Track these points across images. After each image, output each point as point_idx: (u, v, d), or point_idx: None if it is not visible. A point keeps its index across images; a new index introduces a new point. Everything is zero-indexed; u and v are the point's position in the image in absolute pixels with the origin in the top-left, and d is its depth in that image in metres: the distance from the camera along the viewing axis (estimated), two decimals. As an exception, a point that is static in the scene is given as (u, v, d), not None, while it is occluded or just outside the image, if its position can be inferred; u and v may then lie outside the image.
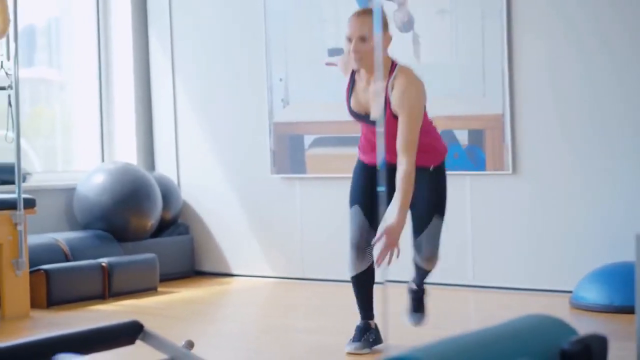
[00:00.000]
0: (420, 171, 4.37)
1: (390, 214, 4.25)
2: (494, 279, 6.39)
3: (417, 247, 4.60)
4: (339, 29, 6.86)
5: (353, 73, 4.52)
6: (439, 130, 6.39)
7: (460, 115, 6.43)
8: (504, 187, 6.36)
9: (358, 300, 4.69)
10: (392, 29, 6.58)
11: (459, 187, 6.45)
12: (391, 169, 4.33)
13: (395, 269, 6.35)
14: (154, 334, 2.68)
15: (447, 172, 6.32)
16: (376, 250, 4.28)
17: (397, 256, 4.16)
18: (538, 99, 6.22)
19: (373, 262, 4.58)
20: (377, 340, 4.58)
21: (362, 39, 4.31)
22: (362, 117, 4.50)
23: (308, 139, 6.99)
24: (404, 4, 6.62)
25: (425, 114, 4.47)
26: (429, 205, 4.53)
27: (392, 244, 4.14)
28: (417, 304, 4.88)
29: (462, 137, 6.42)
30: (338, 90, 6.70)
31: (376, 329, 4.64)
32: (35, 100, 7.76)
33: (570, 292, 5.80)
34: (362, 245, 4.55)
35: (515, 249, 6.32)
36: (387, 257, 4.14)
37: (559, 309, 5.53)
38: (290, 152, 7.11)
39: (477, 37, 6.35)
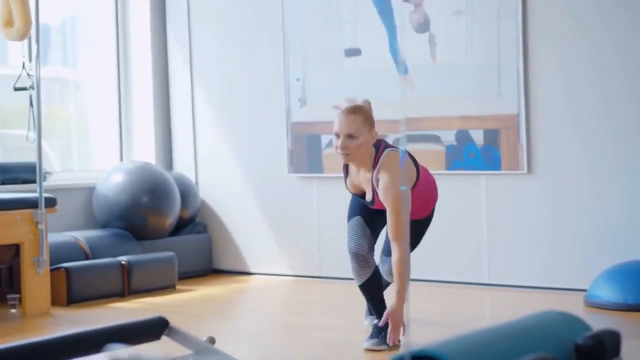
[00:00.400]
0: (413, 221, 4.79)
1: (392, 299, 4.54)
2: (509, 277, 6.44)
3: (382, 261, 5.02)
4: (356, 30, 6.92)
5: (346, 169, 4.85)
6: (456, 130, 6.50)
7: (475, 115, 6.48)
8: (519, 186, 6.40)
9: (370, 304, 4.91)
10: (409, 30, 6.67)
11: (475, 186, 6.51)
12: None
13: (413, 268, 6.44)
14: (179, 330, 2.75)
15: (463, 172, 6.47)
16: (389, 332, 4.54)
17: (404, 333, 4.52)
18: (553, 99, 6.26)
19: (377, 266, 4.87)
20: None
21: (350, 137, 4.58)
22: (358, 196, 4.84)
23: (325, 139, 7.05)
24: (420, 5, 6.67)
25: (420, 174, 4.74)
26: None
27: (397, 326, 4.49)
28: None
29: (478, 136, 6.47)
30: (354, 90, 6.79)
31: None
32: (49, 99, 7.82)
33: (584, 290, 5.84)
34: (364, 253, 4.78)
35: (530, 248, 6.36)
36: (398, 335, 4.50)
37: (574, 307, 5.57)
38: (307, 151, 7.17)
39: (493, 38, 6.40)
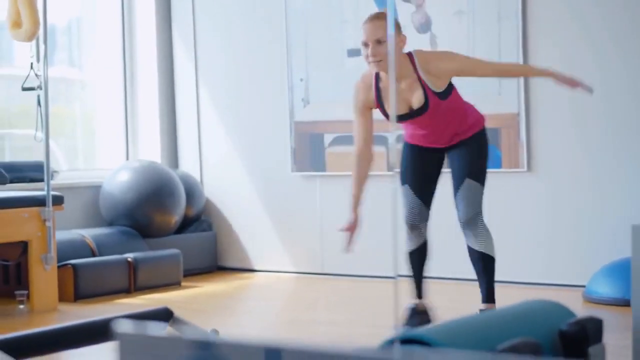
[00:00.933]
0: (459, 143, 4.68)
1: None
2: (510, 273, 6.50)
3: (456, 208, 4.73)
4: (359, 30, 6.99)
5: (377, 83, 4.61)
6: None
7: (476, 114, 6.55)
8: (520, 184, 6.47)
9: (412, 277, 4.88)
10: (410, 30, 6.74)
11: (476, 184, 6.59)
12: (439, 151, 4.65)
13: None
14: (183, 320, 2.84)
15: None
16: None
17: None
18: (553, 98, 6.32)
19: (426, 240, 4.83)
20: (425, 321, 4.72)
21: (379, 42, 4.43)
22: (405, 116, 4.60)
23: (328, 138, 7.13)
24: (421, 6, 6.75)
25: (456, 92, 4.66)
26: (460, 169, 4.69)
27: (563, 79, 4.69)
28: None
29: (479, 135, 6.54)
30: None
31: (425, 311, 4.81)
32: (55, 99, 7.88)
33: (583, 286, 5.91)
34: (415, 223, 4.75)
35: (530, 245, 6.44)
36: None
37: (572, 303, 5.62)
38: (310, 150, 7.25)
39: (494, 37, 6.47)
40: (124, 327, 1.35)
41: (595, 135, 6.21)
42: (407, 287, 4.88)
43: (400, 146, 4.95)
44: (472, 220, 4.66)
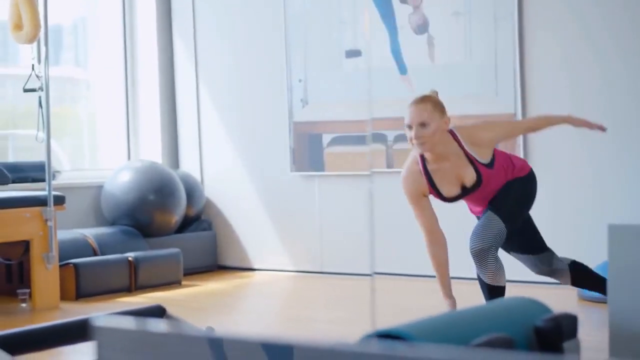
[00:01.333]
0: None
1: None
2: (509, 272, 6.54)
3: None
4: (357, 31, 7.07)
5: (424, 167, 4.61)
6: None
7: (474, 114, 6.59)
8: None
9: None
10: (408, 31, 6.81)
11: (473, 184, 6.65)
12: None
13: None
14: (176, 317, 2.91)
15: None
16: None
17: None
18: (550, 98, 6.37)
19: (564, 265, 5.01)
20: None
21: (422, 125, 4.47)
22: (462, 194, 4.66)
23: (326, 138, 7.19)
24: (419, 7, 6.81)
25: (497, 152, 4.71)
26: (487, 196, 4.69)
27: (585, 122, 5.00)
28: None
29: (476, 135, 6.60)
30: (354, 90, 6.93)
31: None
32: (61, 99, 7.94)
33: (579, 285, 5.97)
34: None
35: (527, 244, 6.49)
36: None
37: (567, 301, 5.71)
38: (309, 150, 7.30)
39: (490, 38, 6.53)
40: (101, 321, 1.42)
41: (594, 135, 6.22)
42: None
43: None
44: (480, 254, 4.67)
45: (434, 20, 6.75)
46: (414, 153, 4.63)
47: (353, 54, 7.01)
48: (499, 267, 4.71)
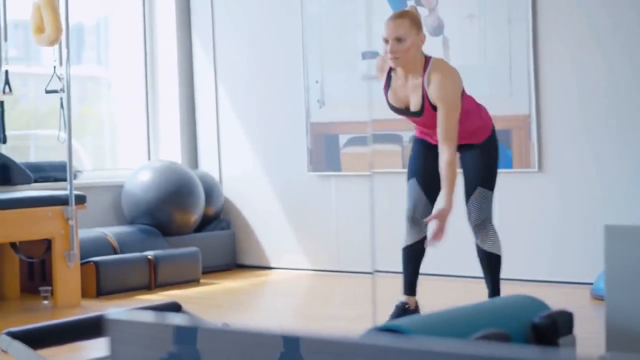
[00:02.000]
0: (468, 147, 4.78)
1: (440, 200, 4.61)
2: (519, 271, 6.61)
3: (468, 212, 4.87)
4: (372, 33, 7.14)
5: (389, 72, 4.76)
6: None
7: (488, 115, 6.68)
8: (530, 184, 6.59)
9: (404, 273, 4.96)
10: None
11: (487, 184, 6.72)
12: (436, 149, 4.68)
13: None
14: (192, 314, 3.01)
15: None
16: (430, 230, 4.62)
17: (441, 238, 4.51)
18: (563, 99, 6.43)
19: (425, 237, 4.88)
20: None
21: (398, 40, 4.57)
22: (402, 110, 4.77)
23: (343, 139, 7.28)
24: (434, 9, 6.89)
25: (465, 97, 4.74)
26: (472, 177, 4.82)
27: (440, 231, 4.49)
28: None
29: (490, 136, 6.67)
30: (371, 92, 7.01)
31: (416, 309, 4.91)
32: (83, 97, 8.04)
33: (591, 284, 6.04)
34: (416, 218, 4.85)
35: (540, 243, 6.55)
36: (441, 236, 4.51)
37: (580, 300, 5.78)
38: (326, 150, 7.38)
39: (505, 40, 6.60)
40: (114, 315, 1.51)
41: (605, 136, 6.31)
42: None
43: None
44: (482, 224, 4.83)
45: (449, 22, 6.82)
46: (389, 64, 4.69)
47: (369, 55, 7.09)
48: (497, 235, 4.90)
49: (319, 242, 7.47)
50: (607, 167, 6.28)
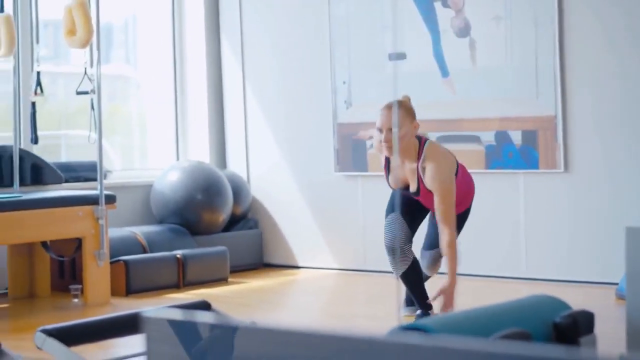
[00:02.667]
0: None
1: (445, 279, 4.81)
2: (546, 271, 6.65)
3: (422, 256, 5.26)
4: (399, 34, 7.18)
5: (388, 160, 5.04)
6: (495, 130, 6.74)
7: (514, 117, 6.71)
8: (556, 184, 6.61)
9: (412, 294, 5.17)
10: (450, 34, 6.93)
11: (513, 184, 6.74)
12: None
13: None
14: (221, 312, 3.07)
15: (502, 171, 6.70)
16: (436, 306, 4.87)
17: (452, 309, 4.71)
18: (589, 100, 6.45)
19: (415, 258, 5.10)
20: None
21: (392, 130, 4.79)
22: (403, 189, 5.02)
23: (370, 139, 7.33)
24: (461, 11, 6.93)
25: (459, 169, 4.98)
26: (435, 241, 5.06)
27: (448, 303, 4.70)
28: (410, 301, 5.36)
29: (516, 137, 6.69)
30: (397, 92, 7.05)
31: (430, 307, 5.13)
32: (112, 96, 8.12)
33: (616, 284, 6.07)
34: (400, 245, 5.01)
35: (566, 243, 6.57)
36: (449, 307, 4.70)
37: (605, 300, 5.80)
38: (352, 151, 7.43)
39: (531, 42, 6.63)
40: (151, 313, 1.58)
41: (632, 136, 6.33)
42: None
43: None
44: (438, 258, 5.23)
45: (475, 24, 6.86)
46: (383, 153, 4.96)
47: (396, 57, 7.13)
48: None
49: (346, 242, 7.52)
50: (633, 167, 6.30)
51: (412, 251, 5.10)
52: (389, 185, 5.10)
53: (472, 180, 5.18)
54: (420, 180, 4.86)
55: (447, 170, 4.84)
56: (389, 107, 4.85)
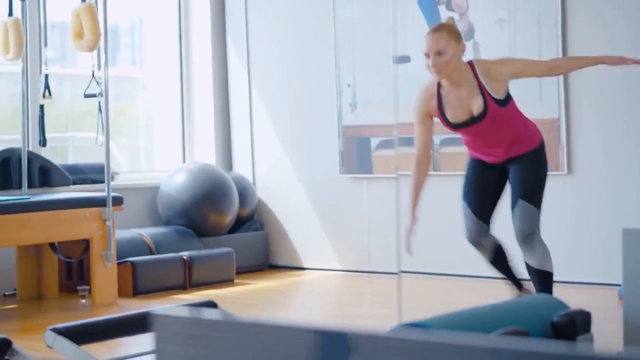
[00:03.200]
0: (513, 159, 4.81)
1: None
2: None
3: (512, 222, 4.87)
4: (404, 37, 7.24)
5: (439, 91, 4.77)
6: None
7: (518, 119, 6.76)
8: (560, 186, 6.62)
9: (505, 277, 5.08)
10: (454, 37, 6.97)
11: (517, 186, 6.79)
12: (500, 167, 4.81)
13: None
14: (227, 312, 3.13)
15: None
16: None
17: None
18: (592, 103, 6.50)
19: (495, 241, 4.96)
20: None
21: (439, 53, 4.62)
22: (464, 123, 4.76)
23: (374, 141, 7.37)
24: (465, 14, 6.97)
25: (513, 103, 4.81)
26: (515, 188, 4.84)
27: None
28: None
29: (520, 139, 6.75)
30: (401, 95, 7.10)
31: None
32: (119, 97, 8.13)
33: (619, 285, 6.10)
34: (474, 239, 4.94)
35: (569, 244, 6.59)
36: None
37: (607, 301, 5.85)
38: (357, 153, 7.46)
39: (534, 45, 6.67)
40: (159, 311, 1.63)
41: (635, 139, 6.37)
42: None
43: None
44: (527, 239, 4.82)
45: (479, 27, 6.90)
46: (432, 78, 4.78)
47: (401, 59, 7.17)
48: (545, 249, 4.86)
49: (351, 243, 7.56)
50: (636, 169, 6.35)
51: (488, 241, 4.93)
52: (448, 123, 4.78)
53: (535, 124, 5.00)
54: (485, 94, 4.66)
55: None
56: (434, 30, 4.72)
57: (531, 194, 4.83)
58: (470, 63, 4.76)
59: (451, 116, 4.75)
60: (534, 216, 4.81)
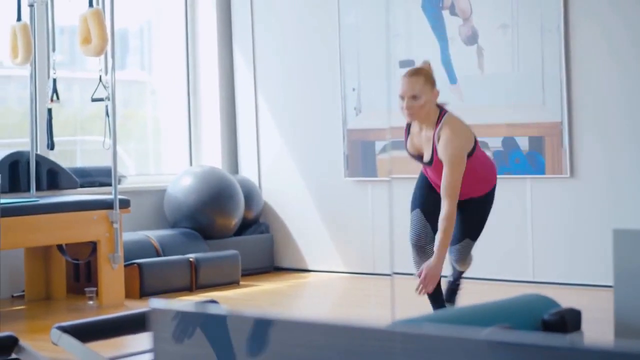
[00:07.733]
0: (469, 200, 4.92)
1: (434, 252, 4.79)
2: (552, 274, 6.72)
3: (450, 252, 5.06)
4: (409, 42, 7.29)
5: (408, 130, 4.99)
6: (502, 136, 6.83)
7: (521, 123, 6.80)
8: (562, 189, 6.69)
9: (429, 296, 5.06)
10: (458, 42, 7.03)
11: (520, 189, 6.82)
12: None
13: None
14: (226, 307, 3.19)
15: (510, 176, 6.71)
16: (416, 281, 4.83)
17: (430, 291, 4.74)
18: (595, 107, 6.53)
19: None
20: None
21: (414, 98, 4.75)
22: (416, 157, 4.99)
23: (379, 145, 7.43)
24: (468, 19, 7.03)
25: (477, 153, 4.88)
26: (464, 228, 5.01)
27: (430, 279, 4.70)
28: (450, 295, 5.22)
29: (523, 143, 6.79)
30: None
31: None
32: (127, 101, 8.20)
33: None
34: (421, 246, 4.99)
35: (572, 247, 6.66)
36: (429, 287, 4.71)
37: (607, 302, 5.89)
38: (362, 156, 7.51)
39: (537, 49, 6.72)
40: (156, 304, 1.69)
41: (635, 142, 6.39)
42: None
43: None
44: (460, 263, 5.15)
45: (482, 31, 6.95)
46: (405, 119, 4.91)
47: (406, 64, 7.23)
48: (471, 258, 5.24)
49: (355, 246, 7.61)
50: (638, 172, 6.37)
51: (432, 251, 4.94)
52: (407, 150, 5.02)
53: (493, 168, 5.08)
54: (434, 150, 4.79)
55: (460, 143, 4.75)
56: (410, 74, 4.82)
57: (476, 233, 5.07)
58: (440, 116, 4.83)
59: (410, 146, 4.99)
60: (470, 246, 5.09)
